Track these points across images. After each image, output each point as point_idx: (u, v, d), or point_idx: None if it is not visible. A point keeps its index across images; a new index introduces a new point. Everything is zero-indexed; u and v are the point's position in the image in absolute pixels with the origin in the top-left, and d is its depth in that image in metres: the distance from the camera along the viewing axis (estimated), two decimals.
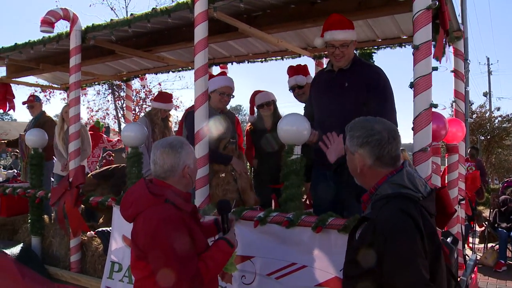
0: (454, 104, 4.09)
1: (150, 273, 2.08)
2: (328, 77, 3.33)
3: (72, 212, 3.99)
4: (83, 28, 4.12)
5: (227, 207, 2.45)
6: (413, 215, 1.62)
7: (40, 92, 15.96)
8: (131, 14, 3.95)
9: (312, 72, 4.65)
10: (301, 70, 4.40)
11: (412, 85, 2.49)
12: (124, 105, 8.44)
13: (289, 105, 5.69)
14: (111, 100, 18.17)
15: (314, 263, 2.65)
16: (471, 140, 16.12)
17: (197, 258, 2.10)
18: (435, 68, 2.50)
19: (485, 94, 27.24)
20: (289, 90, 4.47)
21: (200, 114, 3.24)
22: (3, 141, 7.39)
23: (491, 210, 7.66)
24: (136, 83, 10.99)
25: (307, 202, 4.11)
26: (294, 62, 4.84)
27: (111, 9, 19.03)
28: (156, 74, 6.53)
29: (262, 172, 4.46)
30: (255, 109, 4.60)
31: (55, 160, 5.77)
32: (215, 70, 5.72)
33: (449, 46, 3.71)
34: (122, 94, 16.85)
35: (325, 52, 4.68)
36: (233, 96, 3.89)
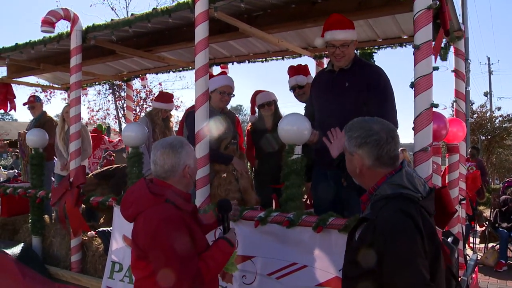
0: (454, 104, 4.09)
1: (150, 273, 2.08)
2: (329, 77, 3.33)
3: (72, 212, 3.99)
4: (83, 28, 4.12)
5: (227, 207, 2.45)
6: (413, 215, 1.62)
7: (40, 92, 15.98)
8: (132, 14, 3.94)
9: (313, 72, 4.65)
10: (301, 70, 4.40)
11: (412, 85, 2.49)
12: (125, 105, 8.44)
13: (290, 105, 5.69)
14: (112, 100, 18.18)
15: (314, 263, 2.66)
16: (471, 140, 16.11)
17: (197, 258, 2.10)
18: (436, 68, 2.50)
19: (485, 94, 27.23)
20: (290, 90, 4.47)
21: (201, 114, 3.24)
22: (5, 142, 7.40)
23: (492, 210, 7.66)
24: (136, 83, 10.98)
25: (308, 202, 4.11)
26: (295, 62, 4.85)
27: (112, 9, 19.06)
28: (157, 74, 6.54)
29: (263, 172, 4.46)
30: (256, 109, 4.60)
31: (55, 160, 5.78)
32: (216, 70, 5.72)
33: (449, 45, 3.72)
34: (122, 94, 16.82)
35: (326, 52, 4.68)
36: (234, 95, 3.89)
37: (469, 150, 9.15)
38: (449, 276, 1.88)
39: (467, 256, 4.15)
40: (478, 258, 6.19)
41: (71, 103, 4.29)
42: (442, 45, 3.24)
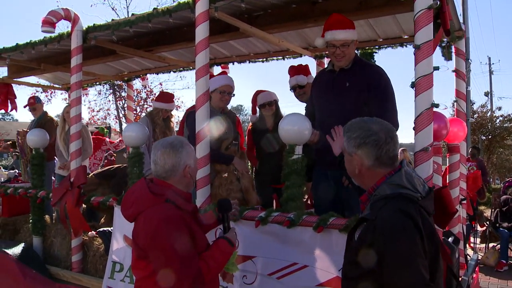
0: (455, 103, 4.09)
1: (150, 273, 2.08)
2: (329, 77, 3.33)
3: (73, 212, 3.99)
4: (84, 28, 4.13)
5: (227, 206, 2.45)
6: (413, 215, 1.62)
7: (41, 92, 16.03)
8: (132, 14, 3.95)
9: (313, 72, 4.65)
10: (302, 70, 4.40)
11: (413, 85, 2.48)
12: (125, 105, 8.44)
13: (290, 105, 5.69)
14: (112, 100, 18.21)
15: (315, 263, 2.66)
16: (472, 140, 16.11)
17: (197, 258, 2.10)
18: (437, 68, 2.50)
19: (486, 94, 27.19)
20: (290, 90, 4.46)
21: (201, 114, 3.24)
22: (9, 143, 7.41)
23: (493, 210, 7.65)
24: (137, 83, 11.00)
25: (308, 202, 4.11)
26: (295, 62, 4.85)
27: (112, 9, 19.13)
28: (157, 74, 6.55)
29: (263, 172, 4.46)
30: (257, 109, 4.60)
31: (56, 160, 5.78)
32: (216, 70, 5.73)
33: (449, 45, 3.72)
34: (123, 94, 16.84)
35: (326, 52, 4.68)
36: (234, 95, 3.90)
37: (470, 150, 9.14)
38: (450, 276, 1.88)
39: (468, 256, 4.15)
40: (479, 258, 6.19)
41: (71, 103, 4.29)
42: (444, 44, 3.24)
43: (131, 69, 6.36)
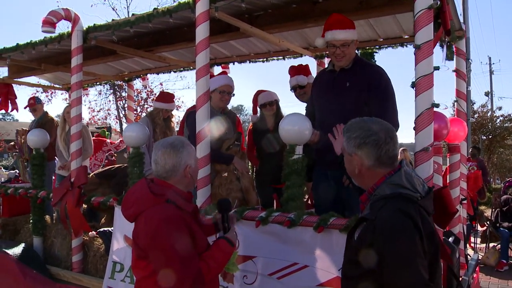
0: (455, 103, 4.09)
1: (151, 273, 2.08)
2: (330, 77, 3.33)
3: (73, 212, 3.99)
4: (84, 28, 4.13)
5: (227, 206, 2.45)
6: (412, 215, 1.62)
7: (41, 93, 16.02)
8: (133, 14, 3.95)
9: (314, 72, 4.65)
10: (302, 70, 4.40)
11: (413, 85, 2.48)
12: (126, 105, 8.45)
13: (291, 105, 5.69)
14: (113, 100, 18.20)
15: (315, 263, 2.65)
16: (472, 140, 16.10)
17: (198, 258, 2.10)
18: (437, 68, 2.50)
19: (486, 94, 27.18)
20: (291, 90, 4.46)
21: (202, 114, 3.24)
22: (12, 144, 7.41)
23: (493, 210, 7.65)
24: (137, 83, 10.98)
25: (309, 202, 4.11)
26: (296, 62, 4.85)
27: (113, 9, 19.07)
28: (158, 74, 6.55)
29: (264, 172, 4.46)
30: (258, 109, 4.60)
31: (56, 160, 5.78)
32: (217, 70, 5.73)
33: (449, 45, 3.71)
34: (123, 94, 16.84)
35: (327, 52, 4.68)
36: (234, 95, 3.90)
37: (470, 150, 9.14)
38: (451, 276, 1.88)
39: (468, 256, 4.15)
40: (479, 258, 6.18)
41: (72, 103, 4.29)
42: (445, 44, 3.24)
43: (131, 69, 6.37)
